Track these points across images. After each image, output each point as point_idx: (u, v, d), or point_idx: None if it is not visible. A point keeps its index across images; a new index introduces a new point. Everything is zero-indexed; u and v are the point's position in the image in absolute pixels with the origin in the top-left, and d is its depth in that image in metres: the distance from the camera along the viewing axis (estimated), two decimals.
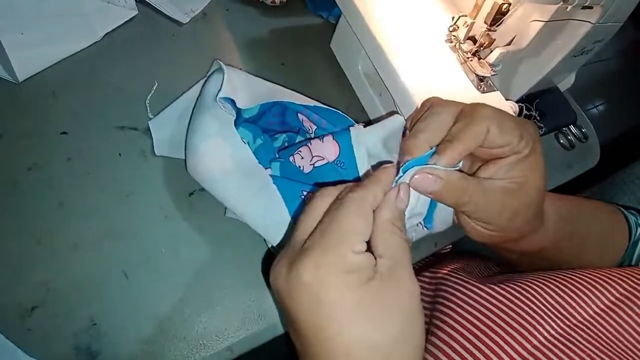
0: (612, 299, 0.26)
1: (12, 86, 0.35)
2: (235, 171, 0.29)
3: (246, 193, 0.29)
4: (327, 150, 0.30)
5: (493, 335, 0.24)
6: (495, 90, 0.36)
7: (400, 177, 0.24)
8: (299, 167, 0.31)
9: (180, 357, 0.29)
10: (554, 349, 0.23)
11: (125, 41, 0.40)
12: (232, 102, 0.32)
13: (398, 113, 0.35)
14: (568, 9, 0.32)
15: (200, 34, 0.44)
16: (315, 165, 0.30)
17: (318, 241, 0.20)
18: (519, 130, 0.24)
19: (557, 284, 0.27)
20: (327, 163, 0.30)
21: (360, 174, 0.30)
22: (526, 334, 0.24)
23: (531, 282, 0.27)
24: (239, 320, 0.31)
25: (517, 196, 0.26)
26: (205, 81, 0.34)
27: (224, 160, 0.30)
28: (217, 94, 0.31)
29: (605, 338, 0.24)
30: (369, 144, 0.30)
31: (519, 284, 0.27)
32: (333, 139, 0.31)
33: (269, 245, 0.32)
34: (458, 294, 0.28)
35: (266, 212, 0.29)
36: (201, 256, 0.32)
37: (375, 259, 0.21)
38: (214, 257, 0.33)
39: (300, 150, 0.31)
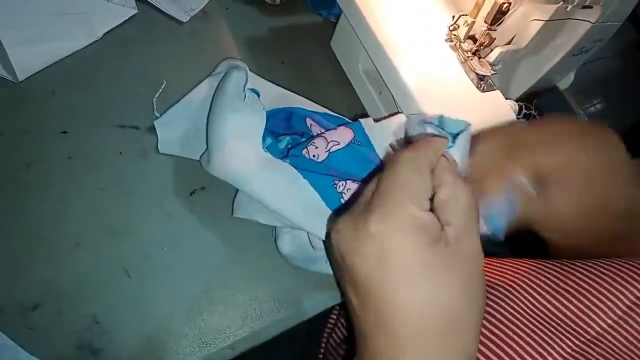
0: (628, 303, 0.25)
1: (12, 85, 0.35)
2: (264, 167, 0.29)
3: (279, 189, 0.29)
4: (342, 135, 0.31)
5: (503, 354, 0.24)
6: (495, 89, 0.36)
7: (451, 146, 0.23)
8: (313, 156, 0.31)
9: (182, 355, 0.29)
10: None
11: (125, 40, 0.40)
12: (257, 93, 0.32)
13: (399, 112, 0.35)
14: (568, 9, 0.32)
15: (201, 33, 0.44)
16: (331, 150, 0.30)
17: (381, 199, 0.20)
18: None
19: (570, 296, 0.26)
20: (343, 147, 0.30)
21: (376, 149, 0.30)
22: (542, 352, 0.23)
23: (544, 294, 0.27)
24: (241, 318, 0.31)
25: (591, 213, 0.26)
26: (222, 79, 0.34)
27: (251, 157, 0.29)
28: (245, 85, 0.31)
29: (618, 350, 0.24)
30: (379, 134, 0.30)
31: (531, 297, 0.27)
32: (346, 127, 0.31)
33: (278, 245, 0.32)
34: None
35: (303, 204, 0.29)
36: (203, 254, 0.32)
37: (442, 226, 0.20)
38: (216, 255, 0.33)
39: (314, 142, 0.31)
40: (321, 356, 0.40)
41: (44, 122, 0.34)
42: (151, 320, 0.29)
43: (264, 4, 0.48)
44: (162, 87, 0.38)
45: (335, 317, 0.41)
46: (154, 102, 0.37)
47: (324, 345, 0.40)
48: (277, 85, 0.37)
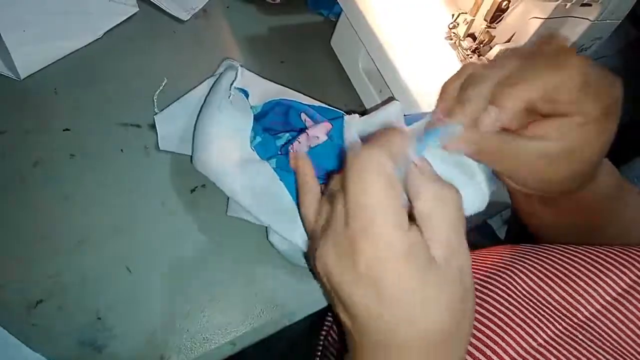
0: (619, 290, 0.25)
1: (14, 83, 0.35)
2: (243, 167, 0.30)
3: (255, 188, 0.29)
4: (322, 129, 0.31)
5: (491, 334, 0.24)
6: None
7: (423, 146, 0.21)
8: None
9: (184, 350, 0.29)
10: (554, 350, 0.23)
11: (127, 38, 0.41)
12: (246, 93, 0.32)
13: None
14: (567, 6, 0.33)
15: (201, 32, 0.44)
16: (311, 145, 0.31)
17: (358, 222, 0.18)
18: (602, 93, 0.21)
19: (560, 281, 0.26)
20: (321, 142, 0.30)
21: (346, 145, 0.29)
22: (532, 331, 0.24)
23: (534, 278, 0.27)
24: (242, 314, 0.31)
25: (567, 164, 0.23)
26: (217, 79, 0.34)
27: (233, 156, 0.30)
28: (232, 84, 0.32)
29: (606, 335, 0.24)
30: (360, 127, 0.30)
31: (521, 281, 0.27)
32: (327, 121, 0.32)
33: (271, 242, 0.33)
34: None
35: (275, 207, 0.29)
36: (204, 251, 0.33)
37: (429, 245, 0.19)
38: (217, 252, 0.33)
39: (298, 138, 0.31)
40: (319, 353, 0.40)
41: (46, 120, 0.34)
42: (153, 316, 0.30)
43: (264, 3, 0.48)
44: (163, 84, 0.38)
45: (332, 314, 0.41)
46: (155, 100, 0.37)
47: (322, 341, 0.40)
48: (275, 82, 0.38)
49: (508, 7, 0.32)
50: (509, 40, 0.37)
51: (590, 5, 0.36)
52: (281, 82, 0.38)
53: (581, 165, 0.24)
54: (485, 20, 0.34)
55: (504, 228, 0.78)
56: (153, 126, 0.35)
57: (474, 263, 0.31)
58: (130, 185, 0.33)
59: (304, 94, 0.38)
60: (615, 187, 0.30)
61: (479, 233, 0.55)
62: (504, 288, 0.27)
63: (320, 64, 0.46)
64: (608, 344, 0.24)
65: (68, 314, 0.28)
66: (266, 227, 0.33)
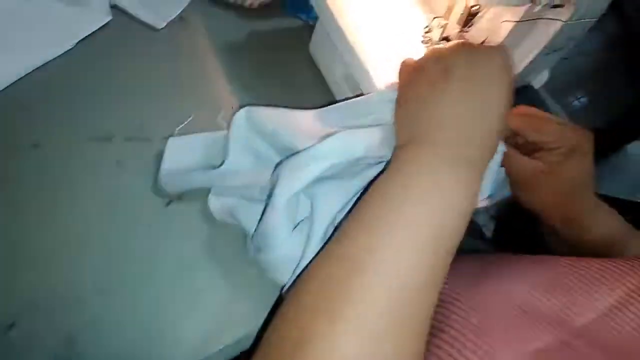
0: (612, 301, 0.25)
1: None
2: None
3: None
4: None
5: (487, 340, 0.24)
6: None
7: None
8: None
9: None
10: (548, 357, 0.23)
11: (100, 48, 0.40)
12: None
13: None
14: (536, 10, 0.33)
15: (178, 39, 0.43)
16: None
17: None
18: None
19: (555, 292, 0.26)
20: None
21: None
22: (526, 338, 0.24)
23: (531, 285, 0.27)
24: (225, 326, 0.31)
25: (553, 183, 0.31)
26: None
27: None
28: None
29: (603, 343, 0.24)
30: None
31: (518, 286, 0.27)
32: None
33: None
34: (445, 297, 0.28)
35: None
36: (182, 264, 0.32)
37: None
38: (195, 265, 0.32)
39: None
40: None
41: (14, 135, 0.34)
42: (132, 331, 0.29)
43: (242, 8, 0.48)
44: (190, 119, 0.37)
45: None
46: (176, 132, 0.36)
47: None
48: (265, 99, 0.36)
49: (478, 12, 0.32)
50: (482, 44, 0.37)
51: (562, 6, 0.36)
52: (259, 88, 0.37)
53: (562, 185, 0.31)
54: (458, 24, 0.34)
55: (491, 224, 0.78)
56: (125, 139, 0.35)
57: (469, 268, 0.32)
58: (103, 200, 0.33)
59: (282, 99, 0.37)
60: (617, 229, 0.34)
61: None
62: (499, 295, 0.27)
63: (299, 69, 0.45)
64: (604, 352, 0.24)
65: (42, 335, 0.28)
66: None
